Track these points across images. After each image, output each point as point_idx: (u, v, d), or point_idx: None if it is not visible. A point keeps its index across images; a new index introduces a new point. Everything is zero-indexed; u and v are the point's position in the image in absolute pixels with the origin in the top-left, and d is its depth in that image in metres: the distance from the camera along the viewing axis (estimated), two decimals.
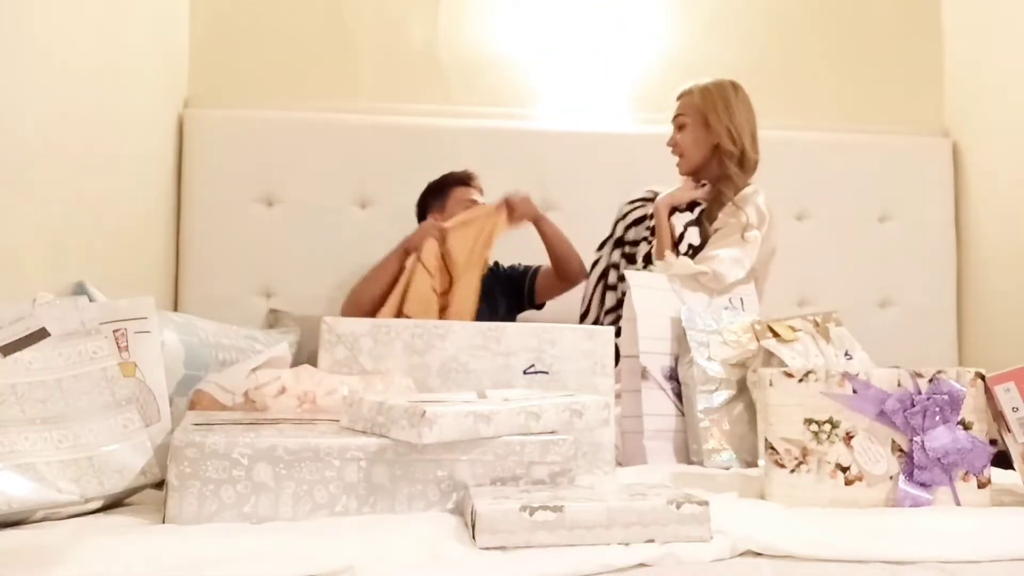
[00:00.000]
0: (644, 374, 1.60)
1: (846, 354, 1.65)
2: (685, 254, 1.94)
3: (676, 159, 2.10)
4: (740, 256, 1.87)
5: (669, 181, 2.15)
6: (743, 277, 1.87)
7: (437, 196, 2.42)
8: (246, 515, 0.97)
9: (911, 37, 2.92)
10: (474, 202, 2.38)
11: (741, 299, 1.83)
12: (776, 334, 1.61)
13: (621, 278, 2.09)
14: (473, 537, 0.91)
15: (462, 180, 2.43)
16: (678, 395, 1.62)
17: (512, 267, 2.50)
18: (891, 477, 1.15)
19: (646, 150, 2.40)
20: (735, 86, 2.06)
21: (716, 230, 1.95)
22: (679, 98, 2.10)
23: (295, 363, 1.52)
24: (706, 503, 0.94)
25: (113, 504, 1.06)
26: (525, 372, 1.40)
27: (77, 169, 1.77)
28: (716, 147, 2.01)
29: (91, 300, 1.32)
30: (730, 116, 2.01)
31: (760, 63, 2.82)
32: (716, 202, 1.99)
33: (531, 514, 0.89)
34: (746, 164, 2.02)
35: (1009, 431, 1.16)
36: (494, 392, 1.21)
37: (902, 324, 2.75)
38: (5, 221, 1.48)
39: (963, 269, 2.80)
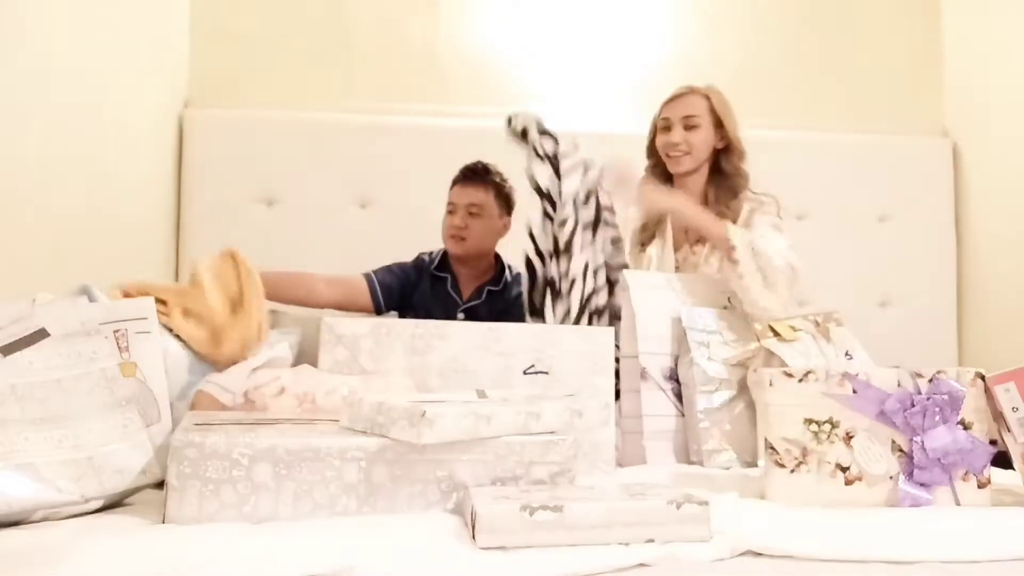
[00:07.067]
0: (643, 375, 1.60)
1: (847, 354, 1.65)
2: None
3: (673, 158, 2.05)
4: (791, 244, 1.91)
5: None
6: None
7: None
8: (246, 515, 0.97)
9: (911, 37, 2.92)
10: (452, 209, 2.24)
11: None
12: (777, 334, 1.60)
13: None
14: (473, 537, 0.91)
15: (464, 175, 2.29)
16: (678, 395, 1.62)
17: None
18: (891, 477, 1.15)
19: None
20: None
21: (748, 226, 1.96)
22: (676, 99, 2.07)
23: (295, 363, 1.52)
24: (706, 503, 0.94)
25: (113, 504, 1.06)
26: (525, 372, 1.40)
27: (77, 169, 1.77)
28: (714, 150, 2.03)
29: (93, 301, 1.32)
30: (734, 120, 2.04)
31: (760, 63, 2.83)
32: (722, 199, 2.00)
33: (531, 514, 0.89)
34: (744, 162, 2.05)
35: (1009, 431, 1.16)
36: (494, 392, 1.20)
37: (902, 324, 2.75)
38: (6, 221, 1.48)
39: (963, 269, 2.80)
